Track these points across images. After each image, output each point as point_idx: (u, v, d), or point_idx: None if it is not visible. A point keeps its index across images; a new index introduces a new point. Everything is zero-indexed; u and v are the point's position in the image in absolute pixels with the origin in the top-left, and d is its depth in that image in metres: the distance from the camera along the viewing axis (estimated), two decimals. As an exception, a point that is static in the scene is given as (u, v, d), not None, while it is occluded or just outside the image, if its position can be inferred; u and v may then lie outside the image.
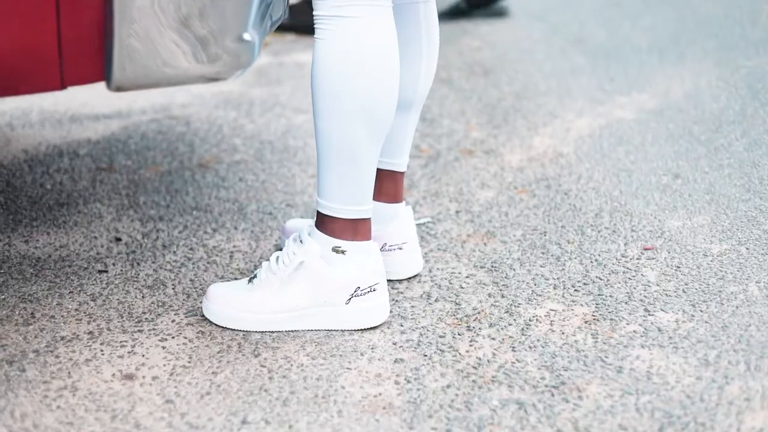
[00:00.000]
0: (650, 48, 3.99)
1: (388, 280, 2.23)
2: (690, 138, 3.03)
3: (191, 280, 2.25)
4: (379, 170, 2.20)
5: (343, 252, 2.02)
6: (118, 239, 2.45)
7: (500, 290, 2.19)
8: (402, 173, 2.24)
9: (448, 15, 4.39)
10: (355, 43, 1.93)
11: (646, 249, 2.33)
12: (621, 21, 4.44)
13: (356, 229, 2.03)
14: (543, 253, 2.35)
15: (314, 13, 1.96)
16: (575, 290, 2.18)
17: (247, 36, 1.58)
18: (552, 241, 2.41)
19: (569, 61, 3.84)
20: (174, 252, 2.38)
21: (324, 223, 2.04)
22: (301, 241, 2.04)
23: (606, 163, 2.86)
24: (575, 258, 2.31)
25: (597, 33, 4.25)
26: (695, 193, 2.64)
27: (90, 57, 1.58)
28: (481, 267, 2.29)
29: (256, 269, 2.29)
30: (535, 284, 2.21)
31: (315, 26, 1.97)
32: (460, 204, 2.64)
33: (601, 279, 2.22)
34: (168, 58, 1.55)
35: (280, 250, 2.40)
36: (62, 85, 1.61)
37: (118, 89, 1.53)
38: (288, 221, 2.42)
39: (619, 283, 2.20)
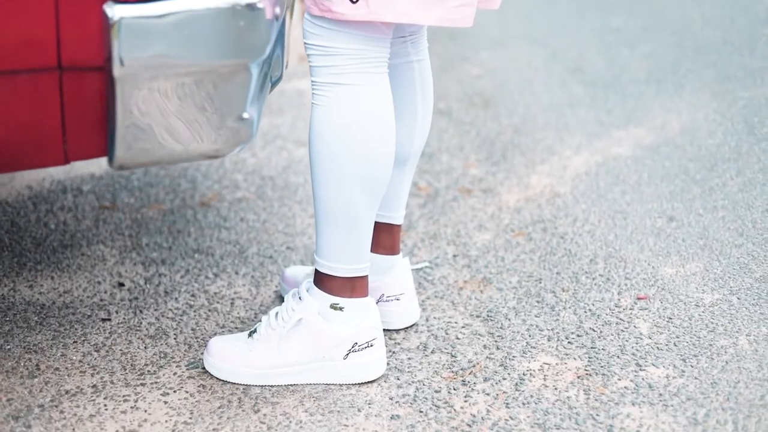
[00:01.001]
0: (648, 78, 4.03)
1: (386, 330, 2.27)
2: (685, 177, 3.07)
3: (192, 329, 2.30)
4: (376, 223, 2.25)
5: (341, 309, 2.07)
6: (121, 284, 2.49)
7: (495, 341, 2.23)
8: (399, 226, 2.29)
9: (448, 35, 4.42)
10: (352, 110, 1.98)
11: (639, 298, 2.38)
12: (620, 48, 4.48)
13: (354, 286, 2.08)
14: (538, 302, 2.39)
15: (312, 79, 2.01)
16: (569, 342, 2.22)
17: (246, 115, 1.63)
18: (547, 288, 2.45)
19: (568, 92, 3.88)
20: (176, 299, 2.43)
21: (322, 280, 2.09)
22: (299, 298, 2.09)
23: (602, 203, 2.90)
24: (569, 307, 2.36)
25: (596, 61, 4.28)
26: (689, 238, 2.68)
27: (93, 135, 1.63)
28: (477, 316, 2.34)
29: (256, 320, 2.34)
30: (529, 335, 2.25)
31: (312, 91, 2.01)
32: (458, 247, 2.68)
33: (594, 330, 2.26)
34: (169, 140, 1.59)
35: (280, 297, 2.45)
36: (65, 161, 1.65)
37: (120, 168, 1.57)
38: (288, 268, 2.47)
39: (612, 335, 2.24)
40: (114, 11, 1.52)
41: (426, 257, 2.64)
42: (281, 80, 2.13)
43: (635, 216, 2.82)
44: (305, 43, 2.02)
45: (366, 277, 2.10)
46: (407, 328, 2.30)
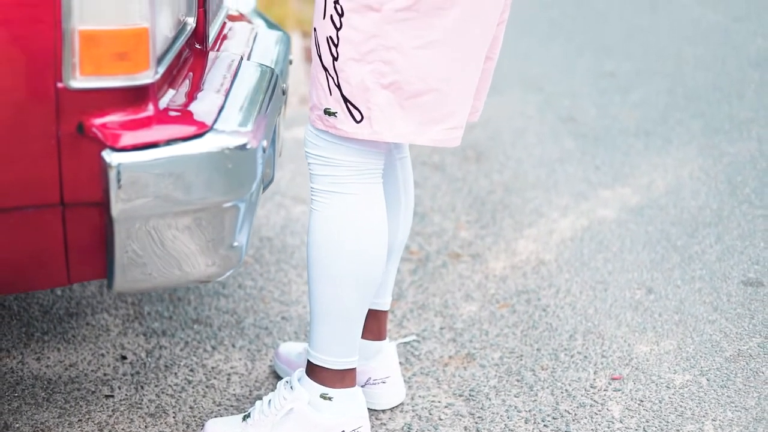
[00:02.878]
0: (638, 129, 4.15)
1: (372, 410, 2.41)
2: (666, 243, 3.19)
3: (191, 407, 2.43)
4: None
5: (330, 399, 2.21)
6: (124, 357, 2.63)
7: (476, 423, 2.36)
8: (386, 312, 2.42)
9: None
10: (348, 218, 2.14)
11: (614, 378, 2.51)
12: (612, 94, 4.60)
13: (344, 377, 2.23)
14: (518, 380, 2.52)
15: (311, 185, 2.16)
16: (545, 425, 2.35)
17: (236, 243, 1.76)
18: (527, 366, 2.58)
19: (559, 145, 4.01)
20: (175, 374, 2.56)
21: (314, 371, 2.23)
22: (291, 388, 2.23)
23: (585, 273, 3.03)
24: (547, 387, 2.49)
25: (588, 109, 4.41)
26: (665, 312, 2.81)
27: (95, 260, 1.76)
28: (460, 395, 2.47)
29: (252, 397, 2.47)
30: (508, 417, 2.38)
31: (311, 196, 2.16)
32: (445, 319, 2.81)
33: (569, 413, 2.39)
34: (164, 270, 1.73)
35: (275, 373, 2.59)
36: (69, 282, 1.79)
37: (119, 294, 1.71)
38: (281, 346, 2.61)
39: (586, 417, 2.37)
40: (111, 158, 1.65)
41: (414, 329, 2.77)
42: (272, 181, 2.27)
43: (615, 287, 2.95)
44: (306, 151, 2.16)
45: (355, 368, 2.24)
46: (393, 408, 2.43)
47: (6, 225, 1.71)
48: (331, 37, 2.01)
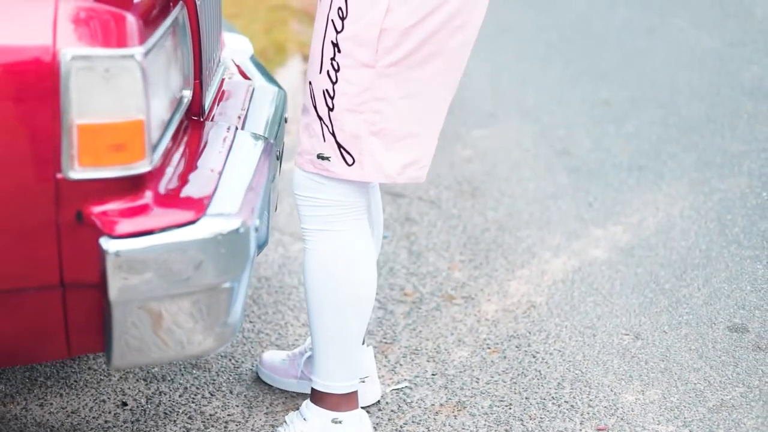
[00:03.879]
0: (630, 164, 4.22)
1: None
2: (655, 286, 3.27)
3: (188, 457, 2.51)
4: None
5: (340, 422, 2.39)
6: (125, 404, 2.70)
7: (464, 475, 2.44)
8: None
9: None
10: (340, 252, 2.34)
11: (599, 430, 2.58)
12: (607, 125, 4.67)
13: (349, 400, 2.41)
14: (507, 431, 2.60)
15: (301, 225, 2.35)
16: (531, 478, 2.43)
17: (231, 320, 1.84)
18: (516, 416, 2.65)
19: (553, 180, 4.08)
20: (174, 421, 2.64)
21: (322, 398, 2.41)
22: (304, 419, 2.41)
23: (574, 317, 3.10)
24: (535, 438, 2.56)
25: (582, 141, 4.48)
26: (651, 360, 2.88)
27: (94, 335, 1.84)
28: (450, 445, 2.54)
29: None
30: (495, 469, 2.46)
31: (302, 236, 2.35)
32: (437, 364, 2.88)
33: (555, 466, 2.47)
34: (161, 347, 1.81)
35: (271, 422, 2.67)
36: (69, 356, 1.87)
37: (117, 370, 1.79)
38: (265, 353, 2.79)
39: (571, 470, 2.45)
40: (109, 245, 1.73)
41: (407, 375, 2.84)
42: (266, 243, 2.35)
43: (604, 332, 3.02)
44: (295, 193, 2.36)
45: (357, 391, 2.43)
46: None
47: (9, 305, 1.79)
48: (327, 90, 2.19)
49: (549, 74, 5.52)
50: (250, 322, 3.12)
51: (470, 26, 2.23)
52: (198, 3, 2.20)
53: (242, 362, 2.90)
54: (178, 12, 2.06)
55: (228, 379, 2.82)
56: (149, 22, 1.82)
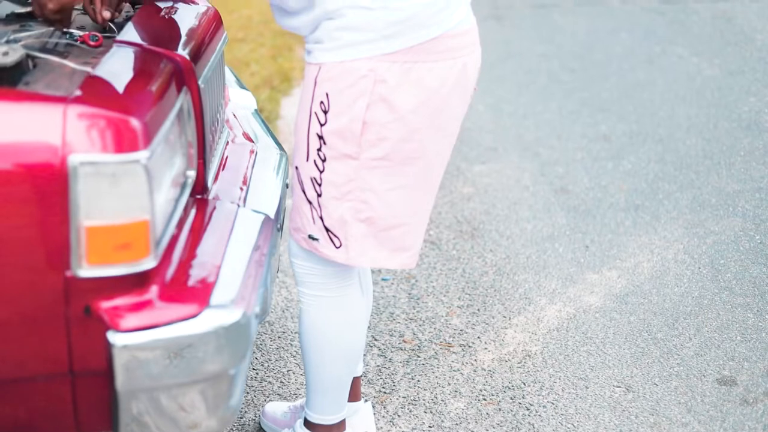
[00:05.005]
0: (627, 204, 4.31)
1: None
2: (647, 336, 3.36)
3: None
4: None
5: None
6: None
7: None
8: (359, 377, 2.74)
9: None
10: (334, 314, 2.48)
11: (589, 487, 2.67)
12: (605, 161, 4.76)
13: (339, 427, 2.61)
14: (499, 487, 2.69)
15: (298, 288, 2.48)
16: None
17: (233, 402, 1.94)
18: (508, 472, 2.75)
19: (551, 221, 4.17)
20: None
21: (313, 427, 2.60)
22: None
23: (568, 368, 3.19)
24: (526, 495, 2.65)
25: (581, 179, 4.57)
26: (641, 414, 2.97)
27: (102, 416, 1.94)
28: (444, 502, 2.64)
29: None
30: None
31: (299, 297, 2.49)
32: (434, 416, 2.98)
33: None
34: (165, 430, 1.91)
35: (261, 429, 2.86)
36: (77, 434, 1.97)
37: (124, 452, 1.89)
38: (267, 405, 2.92)
39: None
40: (115, 339, 1.83)
41: (404, 427, 2.94)
42: (268, 313, 2.44)
43: (596, 384, 3.11)
44: (292, 260, 2.47)
45: (344, 419, 2.62)
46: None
47: (22, 391, 1.89)
48: (314, 177, 2.28)
49: (550, 107, 5.61)
50: (254, 369, 3.22)
51: (453, 122, 2.31)
52: (202, 86, 2.29)
53: (245, 412, 3.00)
54: (182, 100, 2.15)
55: (231, 429, 2.92)
56: (154, 121, 1.92)
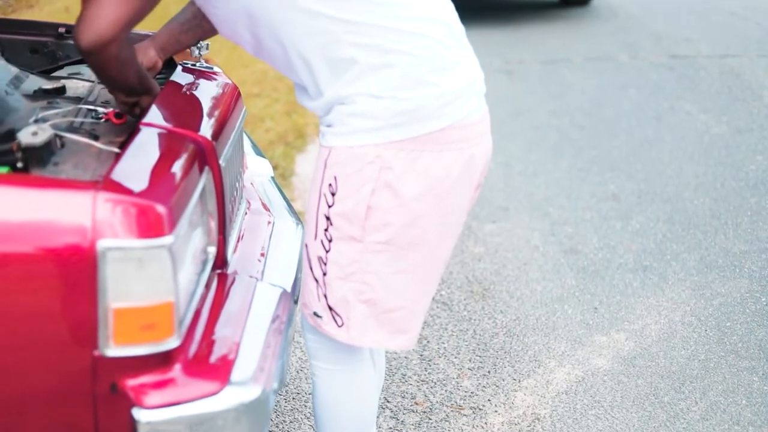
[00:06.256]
0: (636, 264, 4.39)
1: None
2: (654, 400, 3.42)
3: None
4: None
5: None
6: None
7: None
8: None
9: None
10: (346, 385, 2.53)
11: None
12: (614, 221, 4.84)
13: None
14: None
15: (310, 360, 2.55)
16: None
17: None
18: None
19: (560, 282, 4.25)
20: None
21: None
22: None
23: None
24: None
25: (590, 239, 4.65)
26: (648, 479, 3.04)
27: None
28: None
29: None
30: None
31: (312, 370, 2.56)
32: (445, 481, 3.05)
33: None
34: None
35: None
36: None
37: None
38: None
39: None
40: (141, 415, 1.91)
41: (416, 491, 3.00)
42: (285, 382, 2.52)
43: (604, 449, 3.18)
44: (303, 332, 2.55)
45: None
46: None
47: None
48: (321, 257, 2.35)
49: (560, 165, 5.70)
50: (269, 431, 3.29)
51: (458, 210, 2.36)
52: (223, 165, 2.38)
53: (260, 475, 3.07)
54: (204, 180, 2.25)
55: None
56: (178, 205, 2.01)
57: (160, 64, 2.68)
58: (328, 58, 2.21)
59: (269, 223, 2.84)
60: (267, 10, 2.20)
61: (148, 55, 2.63)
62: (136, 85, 2.34)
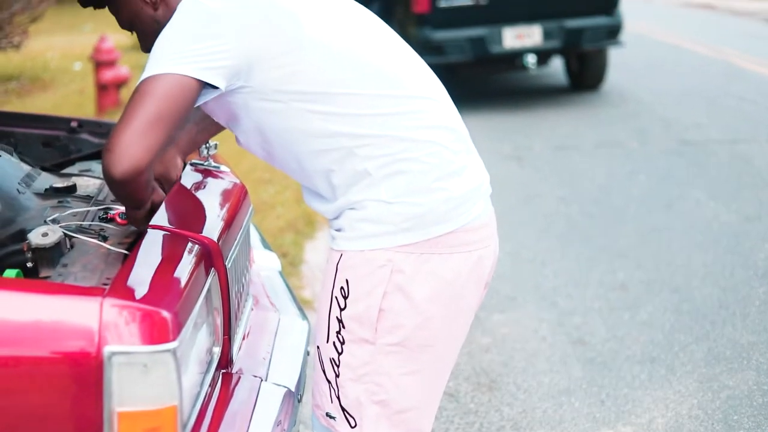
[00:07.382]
0: (643, 356, 4.39)
1: None
2: (661, 496, 3.41)
3: None
4: None
5: None
6: None
7: None
8: None
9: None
10: None
11: None
12: (622, 312, 4.86)
13: None
14: None
15: None
16: None
17: None
18: None
19: (567, 374, 4.26)
20: None
21: None
22: None
23: None
24: None
25: (598, 330, 4.66)
26: None
27: None
28: None
29: None
30: None
31: None
32: None
33: None
34: None
35: None
36: None
37: None
38: None
39: None
40: None
41: None
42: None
43: None
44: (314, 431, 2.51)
45: None
46: None
47: None
48: (333, 359, 2.37)
49: (568, 253, 5.74)
50: None
51: (467, 311, 2.42)
52: (228, 266, 2.43)
53: None
54: (209, 282, 2.29)
55: None
56: (184, 310, 2.05)
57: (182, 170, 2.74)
58: (342, 171, 2.27)
59: (275, 320, 2.88)
60: (279, 128, 2.27)
61: (178, 166, 2.69)
62: (150, 202, 2.38)
